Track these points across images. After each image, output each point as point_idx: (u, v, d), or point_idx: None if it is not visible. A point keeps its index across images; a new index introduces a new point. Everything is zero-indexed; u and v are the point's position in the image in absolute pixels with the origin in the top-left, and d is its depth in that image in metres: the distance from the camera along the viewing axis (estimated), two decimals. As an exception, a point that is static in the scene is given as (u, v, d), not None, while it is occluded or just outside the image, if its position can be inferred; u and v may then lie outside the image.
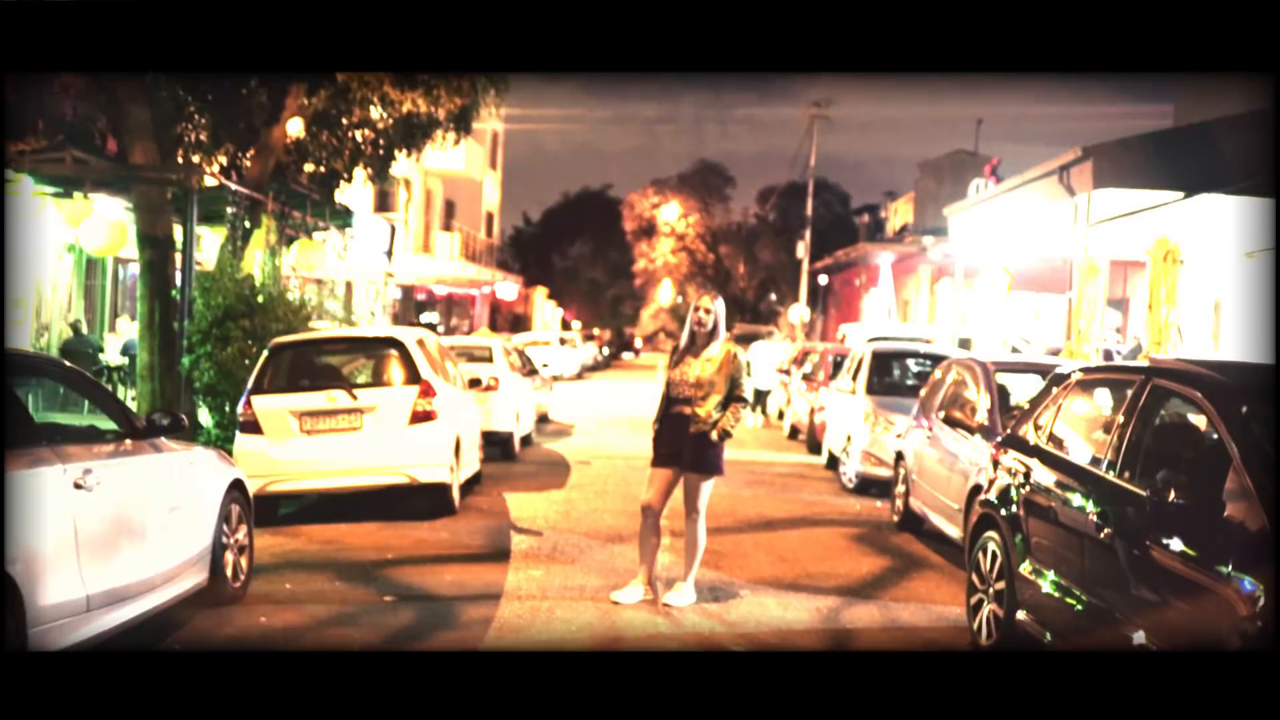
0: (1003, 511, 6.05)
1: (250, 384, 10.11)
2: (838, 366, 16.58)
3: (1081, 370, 6.26)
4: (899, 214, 45.25)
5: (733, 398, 7.14)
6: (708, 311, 7.17)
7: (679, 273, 68.08)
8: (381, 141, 15.69)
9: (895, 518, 10.52)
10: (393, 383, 10.19)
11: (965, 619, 6.61)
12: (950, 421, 9.04)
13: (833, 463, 14.33)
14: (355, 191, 29.58)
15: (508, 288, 52.92)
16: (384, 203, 40.34)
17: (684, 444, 7.12)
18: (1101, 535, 4.89)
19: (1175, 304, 12.27)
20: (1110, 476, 5.04)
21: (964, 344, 18.99)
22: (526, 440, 16.76)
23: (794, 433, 19.03)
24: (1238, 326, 17.91)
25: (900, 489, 10.45)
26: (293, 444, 9.82)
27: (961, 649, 6.34)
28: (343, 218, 19.89)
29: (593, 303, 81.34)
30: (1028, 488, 5.87)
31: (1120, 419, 5.16)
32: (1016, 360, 11.03)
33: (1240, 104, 13.28)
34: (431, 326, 40.03)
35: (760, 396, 21.58)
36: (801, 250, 44.90)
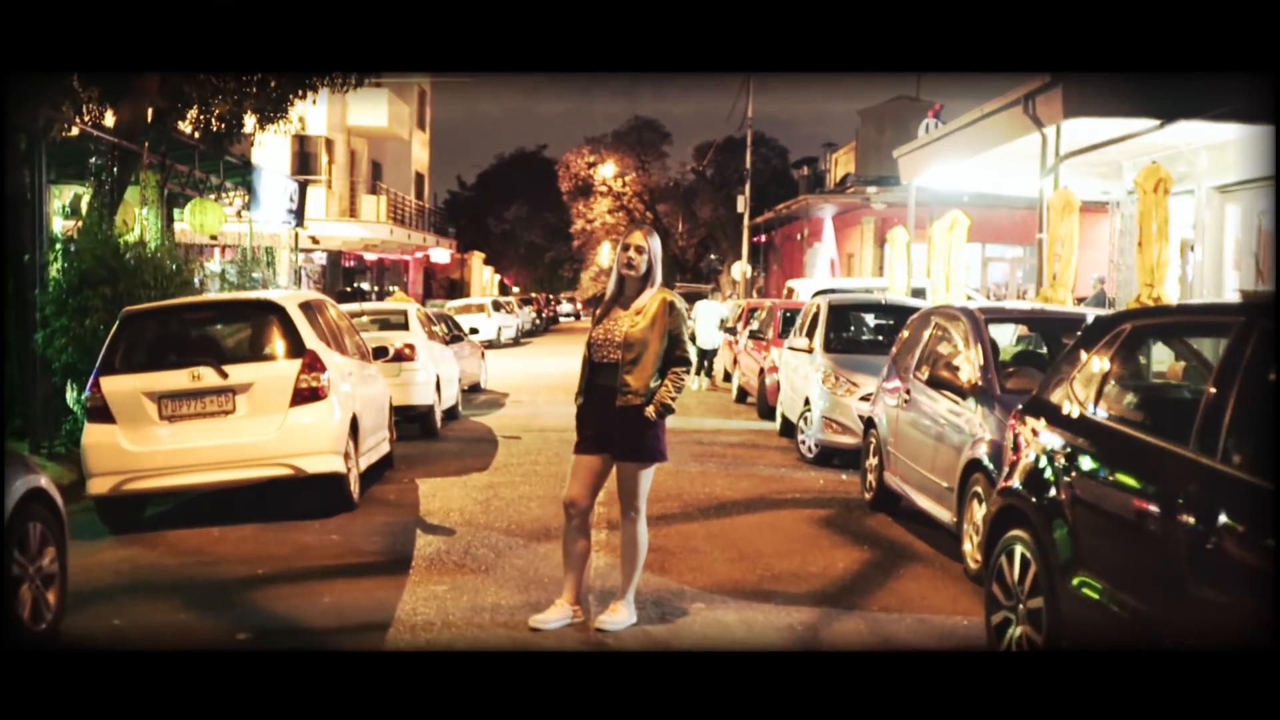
0: (1034, 501, 4.59)
1: (99, 362, 8.42)
2: (788, 323, 15.16)
3: (1135, 317, 4.80)
4: (840, 165, 43.83)
5: (673, 360, 5.61)
6: (639, 250, 5.58)
7: (617, 232, 66.37)
8: (273, 83, 13.89)
9: (867, 495, 9.09)
10: (272, 355, 8.54)
11: (975, 633, 5.21)
12: (935, 383, 7.62)
13: (788, 429, 12.90)
14: (270, 151, 27.61)
15: (440, 252, 50.90)
16: (304, 164, 38.24)
17: (613, 424, 5.60)
18: (1208, 544, 3.44)
19: (1167, 240, 10.89)
20: (1210, 461, 3.58)
21: (918, 294, 17.69)
22: (451, 413, 15.18)
23: (742, 395, 17.60)
24: (1209, 268, 16.79)
25: (872, 462, 9.03)
26: (151, 433, 8.16)
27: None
28: (240, 173, 18.02)
29: (531, 266, 79.35)
30: (1072, 472, 4.39)
31: (1214, 381, 3.71)
32: (1011, 309, 9.61)
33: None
34: (362, 293, 38.23)
35: (706, 357, 20.18)
36: (742, 204, 43.34)
